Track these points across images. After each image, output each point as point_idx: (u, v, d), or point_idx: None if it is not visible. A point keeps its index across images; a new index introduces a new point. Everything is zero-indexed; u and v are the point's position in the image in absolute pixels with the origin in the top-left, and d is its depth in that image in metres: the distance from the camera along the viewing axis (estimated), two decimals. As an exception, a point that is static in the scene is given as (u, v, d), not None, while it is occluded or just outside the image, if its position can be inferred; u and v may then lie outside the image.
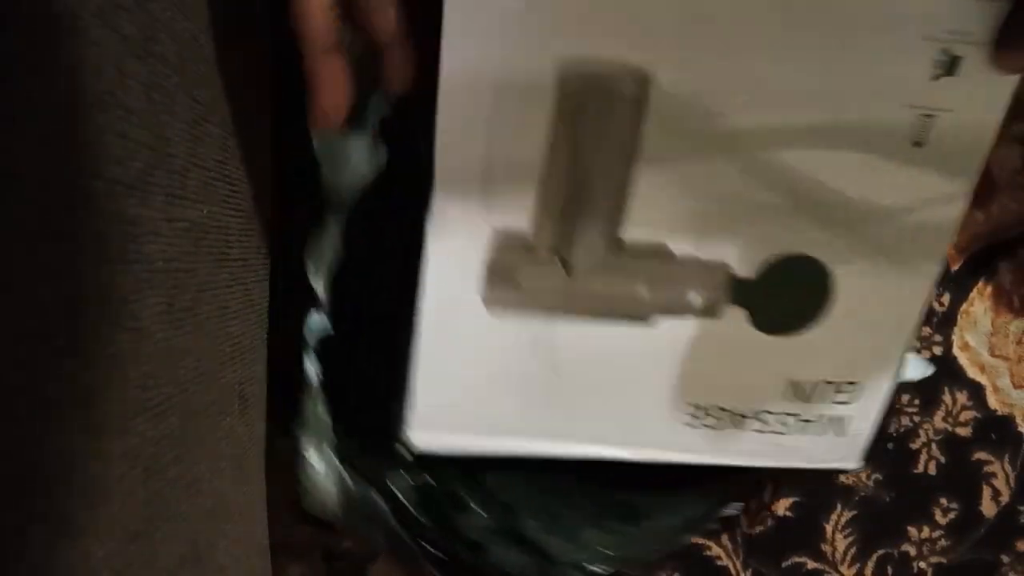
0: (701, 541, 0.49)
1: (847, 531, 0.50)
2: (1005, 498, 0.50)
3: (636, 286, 0.36)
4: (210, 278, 0.31)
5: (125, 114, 0.25)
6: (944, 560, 0.50)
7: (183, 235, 0.29)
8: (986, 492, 0.50)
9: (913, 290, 0.37)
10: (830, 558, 0.50)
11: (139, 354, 0.25)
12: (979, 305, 0.48)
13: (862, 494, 0.49)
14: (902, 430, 0.49)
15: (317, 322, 0.40)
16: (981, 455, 0.50)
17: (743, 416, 0.39)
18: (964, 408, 0.49)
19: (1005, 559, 0.51)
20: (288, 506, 0.41)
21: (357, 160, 0.40)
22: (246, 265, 0.35)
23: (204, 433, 0.30)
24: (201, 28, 0.31)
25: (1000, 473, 0.50)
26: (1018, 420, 0.49)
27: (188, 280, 0.29)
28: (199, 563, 0.29)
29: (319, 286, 0.40)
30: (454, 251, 0.35)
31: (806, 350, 0.38)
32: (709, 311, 0.37)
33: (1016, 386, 0.49)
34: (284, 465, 0.41)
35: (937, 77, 0.33)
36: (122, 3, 0.25)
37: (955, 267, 0.47)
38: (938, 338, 0.48)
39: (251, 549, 0.35)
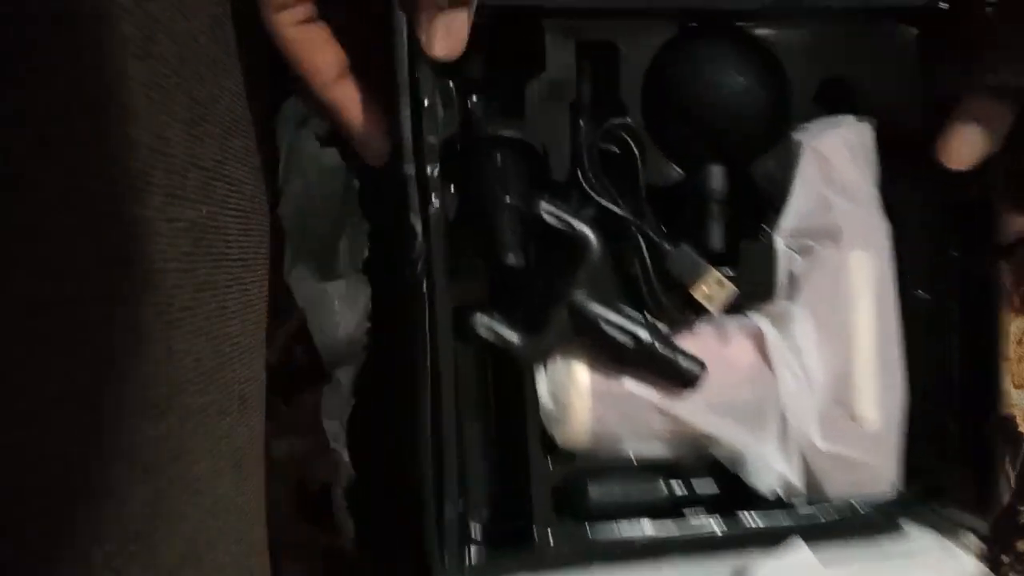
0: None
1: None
2: (1006, 498, 0.50)
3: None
4: (209, 278, 0.31)
5: (124, 114, 0.25)
6: (946, 561, 0.50)
7: (182, 235, 0.29)
8: (988, 492, 0.50)
9: None
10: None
11: (138, 354, 0.25)
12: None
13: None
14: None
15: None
16: (983, 455, 0.50)
17: None
18: (966, 408, 0.49)
19: (1005, 559, 0.51)
20: (288, 506, 0.41)
21: (343, 308, 0.43)
22: (245, 265, 0.35)
23: (204, 433, 0.30)
24: (200, 28, 0.31)
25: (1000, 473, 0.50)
26: (1019, 420, 0.49)
27: (187, 280, 0.29)
28: (199, 563, 0.29)
29: (341, 446, 0.42)
30: None
31: None
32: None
33: (1016, 386, 0.49)
34: (284, 465, 0.41)
35: None
36: (121, 3, 0.25)
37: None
38: (940, 338, 0.48)
39: (251, 549, 0.35)
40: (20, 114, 0.20)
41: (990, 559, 0.44)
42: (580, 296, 0.37)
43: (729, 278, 0.39)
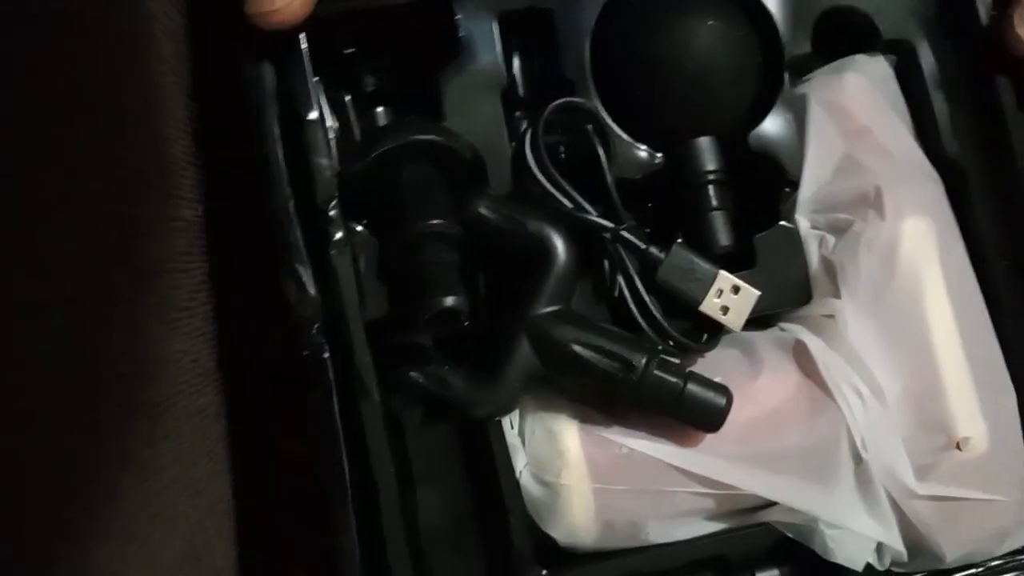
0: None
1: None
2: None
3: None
4: (208, 278, 0.31)
5: (123, 114, 0.25)
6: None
7: (180, 235, 0.29)
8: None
9: None
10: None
11: (136, 354, 0.25)
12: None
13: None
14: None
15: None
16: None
17: None
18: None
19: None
20: (288, 506, 0.41)
21: None
22: (244, 265, 0.35)
23: (202, 434, 0.30)
24: (199, 27, 0.31)
25: None
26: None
27: (185, 280, 0.29)
28: (198, 563, 0.29)
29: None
30: None
31: None
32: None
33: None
34: (284, 465, 0.41)
35: None
36: (120, 3, 0.25)
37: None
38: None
39: (248, 550, 0.35)
40: (20, 114, 0.20)
41: None
42: (544, 314, 0.28)
43: (750, 281, 0.30)
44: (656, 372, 0.27)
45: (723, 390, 0.28)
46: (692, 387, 0.27)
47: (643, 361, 0.27)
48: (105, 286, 0.24)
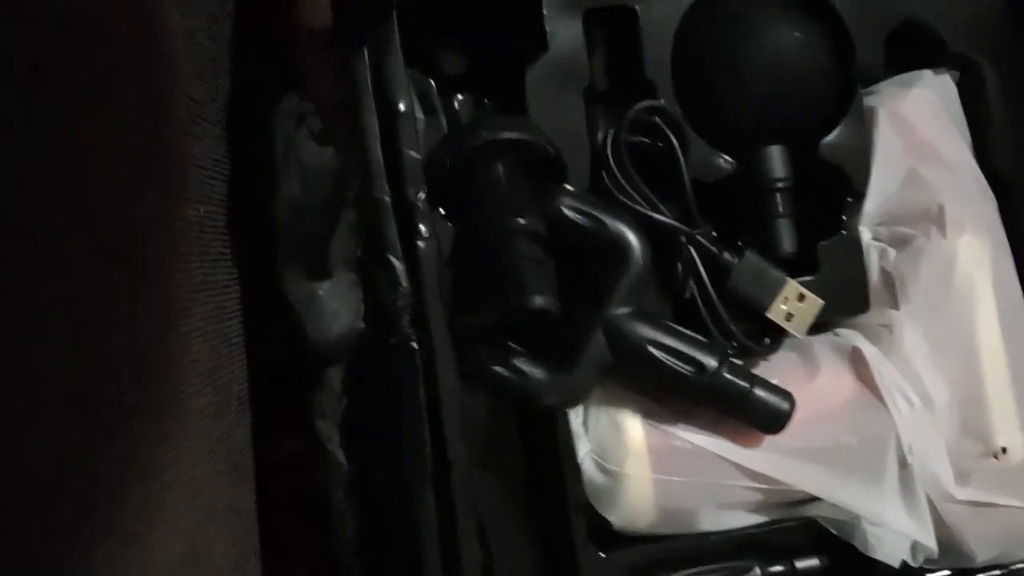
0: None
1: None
2: None
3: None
4: (207, 278, 0.31)
5: (122, 114, 0.25)
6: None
7: (180, 235, 0.29)
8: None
9: None
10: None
11: (136, 354, 0.25)
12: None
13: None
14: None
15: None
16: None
17: None
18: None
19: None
20: (288, 506, 0.41)
21: (336, 308, 0.36)
22: (243, 265, 0.35)
23: (202, 434, 0.30)
24: (199, 27, 0.31)
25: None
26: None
27: (184, 280, 0.29)
28: (197, 564, 0.29)
29: (336, 448, 0.37)
30: None
31: None
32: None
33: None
34: (284, 466, 0.41)
35: None
36: (120, 3, 0.25)
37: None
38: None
39: (248, 550, 0.35)
40: (20, 114, 0.20)
41: None
42: (621, 314, 0.28)
43: (812, 287, 0.30)
44: (726, 375, 0.29)
45: (787, 396, 0.29)
46: (758, 391, 0.29)
47: (714, 364, 0.29)
48: (105, 286, 0.24)
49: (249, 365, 0.36)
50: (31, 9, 0.20)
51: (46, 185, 0.21)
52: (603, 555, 0.30)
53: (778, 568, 0.31)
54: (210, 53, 0.32)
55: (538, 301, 0.27)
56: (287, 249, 0.43)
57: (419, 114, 0.29)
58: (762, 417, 0.29)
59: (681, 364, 0.28)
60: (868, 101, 0.32)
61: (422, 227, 0.27)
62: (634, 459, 0.29)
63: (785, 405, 0.29)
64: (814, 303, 0.30)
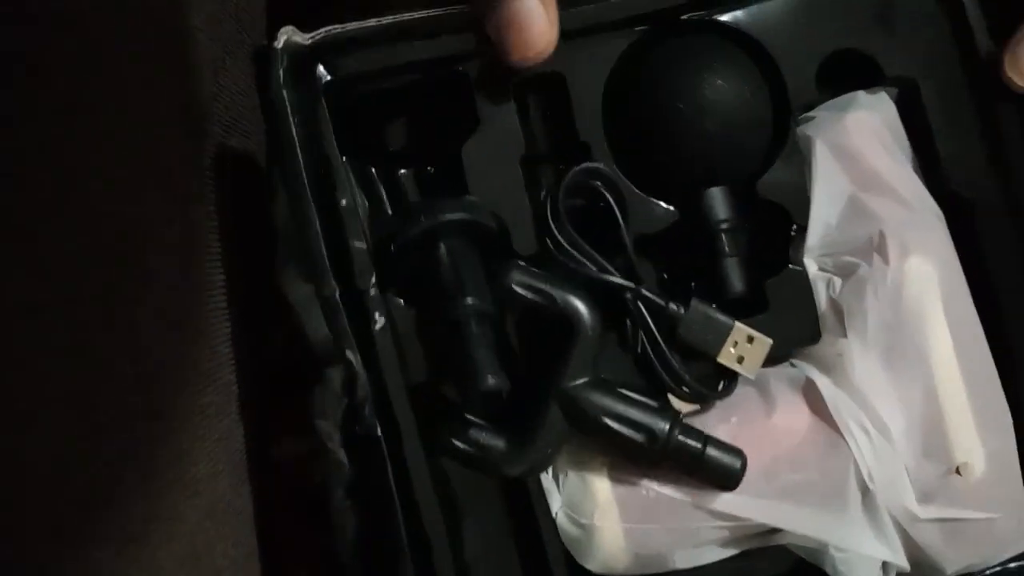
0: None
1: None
2: None
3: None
4: (208, 278, 0.31)
5: (122, 114, 0.25)
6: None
7: (181, 235, 0.29)
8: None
9: None
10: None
11: (136, 354, 0.25)
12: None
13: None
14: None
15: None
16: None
17: None
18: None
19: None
20: (288, 506, 0.41)
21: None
22: (244, 265, 0.35)
23: (202, 434, 0.30)
24: (199, 26, 0.31)
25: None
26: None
27: (186, 280, 0.29)
28: (197, 565, 0.29)
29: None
30: None
31: None
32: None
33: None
34: (284, 466, 0.41)
35: None
36: (120, 3, 0.25)
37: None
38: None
39: (248, 551, 0.35)
40: (20, 114, 0.20)
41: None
42: (575, 385, 0.30)
43: (761, 325, 0.31)
44: (679, 437, 0.30)
45: (738, 454, 0.30)
46: (711, 451, 0.30)
47: (666, 429, 0.30)
48: (105, 286, 0.24)
49: (249, 365, 0.36)
50: (31, 9, 0.20)
51: (46, 185, 0.21)
52: None
53: None
54: (210, 53, 0.32)
55: (490, 382, 0.28)
56: (286, 249, 0.43)
57: (363, 201, 0.31)
58: (717, 476, 0.30)
59: (634, 432, 0.30)
60: (804, 130, 0.32)
61: (376, 314, 0.29)
62: (603, 511, 0.30)
63: (737, 463, 0.30)
64: (763, 343, 0.31)
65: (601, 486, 0.31)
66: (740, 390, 0.32)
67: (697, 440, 0.30)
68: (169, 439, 0.27)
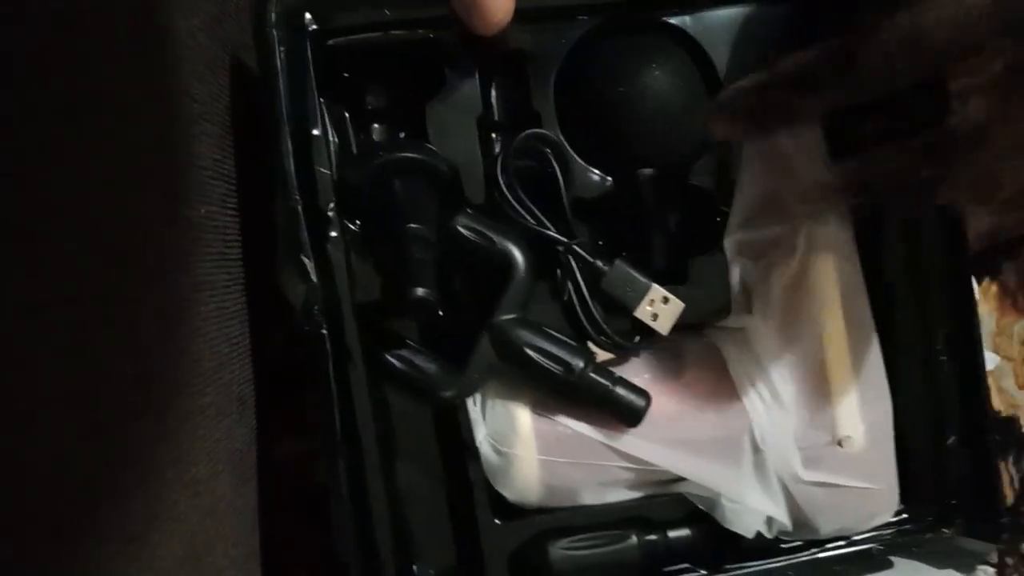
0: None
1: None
2: (1009, 500, 0.50)
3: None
4: (208, 278, 0.31)
5: (123, 114, 0.25)
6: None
7: (181, 235, 0.29)
8: (988, 493, 0.50)
9: None
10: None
11: (136, 354, 0.25)
12: (984, 305, 0.48)
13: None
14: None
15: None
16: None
17: None
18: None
19: (1009, 561, 0.51)
20: (288, 506, 0.41)
21: None
22: (244, 265, 0.35)
23: (202, 434, 0.30)
24: (199, 26, 0.31)
25: (1004, 475, 0.50)
26: (1022, 421, 0.49)
27: (186, 280, 0.29)
28: (197, 565, 0.29)
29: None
30: None
31: None
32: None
33: (1020, 387, 0.49)
34: (284, 466, 0.41)
35: None
36: (121, 2, 0.25)
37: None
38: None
39: (248, 551, 0.35)
40: (20, 114, 0.20)
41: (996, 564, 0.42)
42: (504, 320, 0.33)
43: (679, 294, 0.35)
44: (590, 374, 0.34)
45: (644, 394, 0.34)
46: (619, 389, 0.34)
47: (581, 364, 0.33)
48: (105, 286, 0.24)
49: (249, 365, 0.36)
50: (31, 9, 0.20)
51: (46, 185, 0.21)
52: (500, 523, 0.35)
53: (653, 537, 0.36)
54: (210, 53, 0.32)
55: (419, 292, 0.31)
56: (287, 249, 0.43)
57: (335, 138, 0.34)
58: (623, 412, 0.34)
59: (553, 364, 0.33)
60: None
61: (332, 232, 0.32)
62: (523, 442, 0.34)
63: (641, 403, 0.34)
64: (676, 305, 0.35)
65: (523, 419, 0.34)
66: (659, 352, 0.36)
67: (607, 379, 0.34)
68: (169, 439, 0.27)
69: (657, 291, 0.35)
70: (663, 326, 0.35)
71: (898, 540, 0.37)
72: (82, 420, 0.22)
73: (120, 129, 0.25)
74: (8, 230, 0.19)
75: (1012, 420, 0.49)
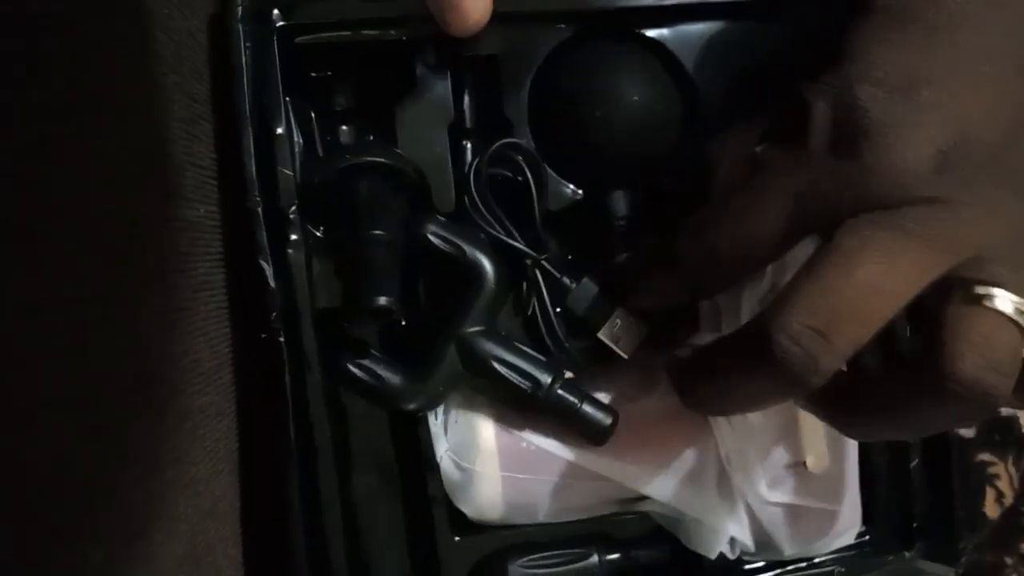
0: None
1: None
2: (1008, 500, 0.50)
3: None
4: (208, 278, 0.31)
5: (122, 114, 0.25)
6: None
7: (180, 235, 0.29)
8: (989, 494, 0.50)
9: None
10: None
11: (136, 354, 0.25)
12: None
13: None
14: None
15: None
16: (985, 456, 0.50)
17: None
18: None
19: (1008, 560, 0.51)
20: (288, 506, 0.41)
21: None
22: (244, 265, 0.35)
23: (202, 434, 0.30)
24: (199, 26, 0.31)
25: (1004, 475, 0.50)
26: (1022, 421, 0.49)
27: (185, 280, 0.29)
28: (197, 565, 0.29)
29: None
30: None
31: None
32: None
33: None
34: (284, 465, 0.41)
35: None
36: (120, 2, 0.25)
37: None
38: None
39: (248, 551, 0.35)
40: (20, 114, 0.20)
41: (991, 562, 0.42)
42: (472, 332, 0.32)
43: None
44: (558, 391, 0.33)
45: (612, 412, 0.33)
46: (586, 407, 0.33)
47: (548, 380, 0.33)
48: (105, 286, 0.24)
49: (250, 365, 0.36)
50: (31, 9, 0.20)
51: (46, 185, 0.21)
52: (458, 539, 0.34)
53: (615, 556, 0.35)
54: (210, 52, 0.32)
55: (381, 300, 0.30)
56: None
57: (299, 139, 0.33)
58: (589, 430, 0.33)
59: (520, 379, 0.32)
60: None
61: (292, 236, 0.31)
62: (485, 458, 0.33)
63: (607, 421, 0.33)
64: (639, 330, 0.34)
65: (486, 434, 0.33)
66: (629, 370, 0.35)
67: (575, 396, 0.33)
68: (169, 439, 0.27)
69: (622, 313, 0.34)
70: (627, 349, 0.34)
71: (860, 561, 0.37)
72: (82, 420, 0.22)
73: (120, 129, 0.25)
74: (8, 230, 0.19)
75: (1012, 420, 0.49)
